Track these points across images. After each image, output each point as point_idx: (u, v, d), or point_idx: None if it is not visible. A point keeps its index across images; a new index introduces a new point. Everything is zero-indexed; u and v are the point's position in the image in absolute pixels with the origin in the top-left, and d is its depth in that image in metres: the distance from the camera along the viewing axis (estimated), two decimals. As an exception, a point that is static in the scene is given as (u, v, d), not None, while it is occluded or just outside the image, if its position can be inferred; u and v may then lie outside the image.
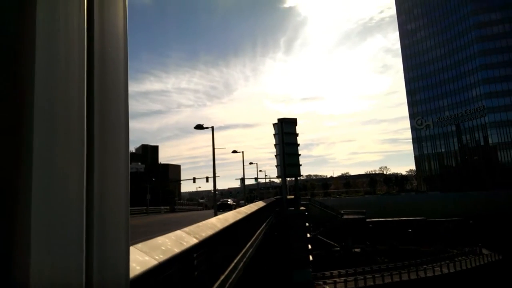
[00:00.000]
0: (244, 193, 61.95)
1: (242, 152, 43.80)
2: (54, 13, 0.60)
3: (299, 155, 39.12)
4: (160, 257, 3.76)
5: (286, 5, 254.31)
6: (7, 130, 0.53)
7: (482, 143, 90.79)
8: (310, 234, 38.57)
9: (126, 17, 0.84)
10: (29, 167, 0.53)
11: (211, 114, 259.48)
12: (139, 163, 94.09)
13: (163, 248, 4.19)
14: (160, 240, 4.48)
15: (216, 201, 29.58)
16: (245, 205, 28.06)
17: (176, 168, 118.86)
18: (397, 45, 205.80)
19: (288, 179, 40.50)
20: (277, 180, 71.84)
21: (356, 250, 54.17)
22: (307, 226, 35.35)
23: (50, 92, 0.58)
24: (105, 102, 0.73)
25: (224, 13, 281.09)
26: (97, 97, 0.71)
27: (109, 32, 0.77)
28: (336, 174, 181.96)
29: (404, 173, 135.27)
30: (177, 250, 4.49)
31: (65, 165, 0.60)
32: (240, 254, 9.95)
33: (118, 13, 0.81)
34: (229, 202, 46.39)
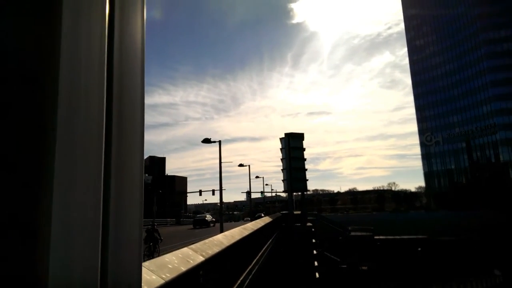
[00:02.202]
0: (250, 207, 61.73)
1: (249, 166, 43.85)
2: (78, 24, 0.62)
3: (306, 170, 39.00)
4: (167, 276, 3.75)
5: (294, 21, 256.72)
6: (31, 133, 0.55)
7: (493, 161, 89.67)
8: (316, 251, 38.12)
9: (144, 28, 0.88)
10: (51, 170, 0.55)
11: (218, 127, 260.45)
12: (146, 174, 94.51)
13: (170, 266, 4.18)
14: (167, 258, 4.47)
15: (222, 215, 29.50)
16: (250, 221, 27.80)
17: (183, 180, 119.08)
18: (405, 61, 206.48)
19: (294, 193, 40.28)
20: (283, 194, 71.55)
21: (364, 267, 53.31)
22: (314, 242, 34.96)
23: (72, 98, 0.60)
24: (123, 109, 0.77)
25: (232, 28, 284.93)
26: (115, 104, 0.74)
27: (128, 43, 0.81)
28: (343, 189, 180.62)
29: (413, 189, 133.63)
30: (183, 268, 4.48)
31: (84, 169, 0.63)
32: (246, 271, 9.88)
33: (137, 23, 0.85)
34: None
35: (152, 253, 16.08)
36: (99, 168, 0.67)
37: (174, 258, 4.35)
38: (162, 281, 3.43)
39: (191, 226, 40.29)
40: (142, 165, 0.83)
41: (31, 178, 0.55)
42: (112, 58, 0.74)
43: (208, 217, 44.23)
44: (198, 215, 51.93)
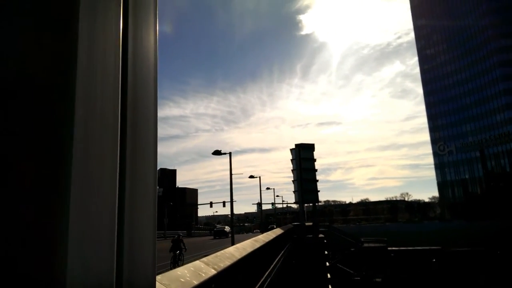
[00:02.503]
0: (261, 218, 61.36)
1: (259, 177, 43.79)
2: (93, 38, 0.65)
3: (317, 181, 38.77)
4: (179, 290, 3.71)
5: (303, 32, 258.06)
6: (50, 136, 0.58)
7: (508, 170, 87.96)
8: (329, 263, 37.62)
9: (157, 42, 0.92)
10: (68, 172, 0.57)
11: (228, 138, 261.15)
12: (157, 187, 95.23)
13: (182, 280, 4.14)
14: (179, 271, 4.43)
15: (233, 227, 29.38)
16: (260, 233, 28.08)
17: (193, 192, 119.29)
18: (415, 70, 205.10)
19: (306, 204, 40.00)
20: (295, 206, 71.04)
21: (377, 279, 52.33)
22: (326, 254, 34.53)
23: (88, 109, 0.62)
24: (137, 119, 0.80)
25: (242, 41, 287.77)
26: (130, 114, 0.77)
27: (141, 56, 0.84)
28: (355, 200, 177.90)
29: (426, 200, 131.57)
30: (196, 282, 4.43)
31: (100, 173, 0.65)
32: (259, 284, 9.76)
33: (150, 37, 0.88)
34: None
35: (177, 261, 17.16)
36: (114, 171, 0.70)
37: (186, 271, 4.31)
38: (174, 296, 3.40)
39: (205, 238, 42.38)
40: (156, 174, 0.86)
41: (49, 183, 0.56)
42: (126, 71, 0.77)
43: (227, 228, 47.48)
44: (218, 226, 56.21)
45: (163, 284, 3.57)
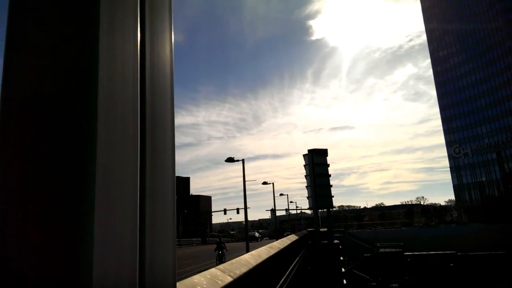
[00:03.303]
0: (276, 225, 61.13)
1: (273, 183, 43.75)
2: (113, 47, 0.68)
3: (331, 186, 38.49)
4: (197, 298, 3.78)
5: (313, 37, 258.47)
6: (75, 144, 0.60)
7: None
8: (344, 268, 37.22)
9: (172, 51, 0.97)
10: (92, 175, 0.59)
11: (240, 145, 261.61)
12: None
13: None
14: (196, 279, 4.52)
15: (248, 234, 29.39)
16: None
17: (207, 200, 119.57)
18: (428, 72, 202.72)
19: (320, 210, 39.70)
20: (309, 211, 70.65)
21: (394, 285, 51.51)
22: (341, 259, 34.19)
23: (110, 114, 0.65)
24: (155, 123, 0.83)
25: (252, 48, 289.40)
26: (148, 118, 0.80)
27: (157, 64, 0.88)
28: (369, 204, 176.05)
29: (442, 203, 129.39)
30: (212, 289, 4.49)
31: (122, 179, 0.67)
32: (274, 291, 9.75)
33: (166, 47, 0.94)
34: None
35: (221, 259, 22.33)
36: (135, 173, 0.72)
37: (203, 279, 4.38)
38: (192, 303, 3.46)
39: (231, 243, 44.46)
40: (174, 180, 0.90)
41: (75, 188, 0.59)
42: (144, 80, 0.80)
43: (257, 234, 52.97)
44: (250, 232, 59.74)
45: (181, 292, 3.65)
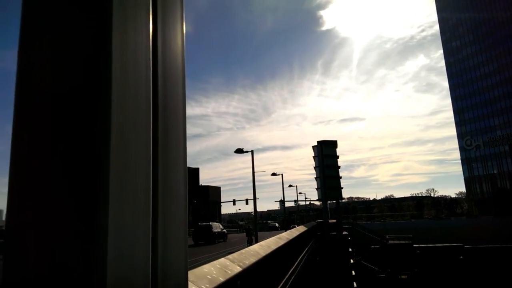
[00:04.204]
0: (284, 216, 61.28)
1: (282, 174, 43.69)
2: (126, 41, 0.69)
3: (340, 177, 38.34)
4: (207, 287, 3.82)
5: (324, 28, 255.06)
6: (91, 137, 0.61)
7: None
8: (353, 260, 37.26)
9: (184, 42, 0.98)
10: (107, 169, 0.60)
11: (249, 136, 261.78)
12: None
13: (209, 277, 4.26)
14: (206, 268, 4.56)
15: (257, 224, 29.53)
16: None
17: (216, 190, 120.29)
18: (440, 63, 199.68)
19: (329, 201, 39.64)
20: (318, 203, 70.62)
21: (403, 276, 51.47)
22: (350, 251, 34.22)
23: (123, 107, 0.66)
24: (167, 115, 0.84)
25: (261, 39, 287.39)
26: (161, 111, 0.81)
27: (169, 56, 0.88)
28: (379, 196, 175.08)
29: (453, 195, 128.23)
30: (222, 279, 4.54)
31: (135, 169, 0.68)
32: (283, 281, 9.84)
33: (177, 39, 0.94)
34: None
35: (251, 242, 24.56)
36: (147, 171, 0.73)
37: (212, 268, 4.41)
38: (202, 292, 3.50)
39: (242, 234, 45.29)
40: (186, 173, 0.91)
41: (90, 182, 0.60)
42: (156, 71, 0.81)
43: (277, 224, 57.18)
44: (269, 223, 68.99)
45: (191, 281, 3.69)
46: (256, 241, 22.47)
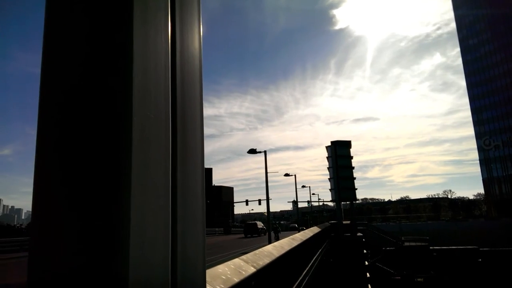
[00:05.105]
0: (298, 217, 61.07)
1: (295, 175, 43.46)
2: (146, 43, 0.70)
3: (354, 178, 37.94)
4: (221, 287, 3.83)
5: (337, 27, 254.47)
6: (111, 139, 0.62)
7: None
8: (368, 262, 36.88)
9: (201, 45, 0.99)
10: (128, 168, 0.62)
11: (262, 137, 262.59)
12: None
13: (223, 277, 4.27)
14: (220, 269, 4.57)
15: (270, 225, 29.49)
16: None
17: (229, 190, 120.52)
18: (457, 62, 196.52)
19: (342, 202, 39.27)
20: (331, 204, 70.22)
21: (419, 279, 50.64)
22: (365, 253, 33.87)
23: (144, 107, 0.67)
24: (185, 117, 0.86)
25: (274, 39, 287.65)
26: (179, 111, 0.83)
27: (187, 56, 0.90)
28: (394, 197, 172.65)
29: (471, 197, 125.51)
30: (236, 279, 4.55)
31: (156, 169, 0.70)
32: (297, 282, 9.79)
33: (195, 41, 0.95)
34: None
35: (278, 238, 27.20)
36: (167, 172, 0.75)
37: (227, 269, 4.42)
38: (216, 292, 3.51)
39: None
40: (203, 173, 0.93)
41: (113, 181, 0.62)
42: (175, 72, 0.82)
43: (296, 225, 58.10)
44: (291, 224, 69.50)
45: (206, 282, 3.70)
46: (270, 242, 22.42)
